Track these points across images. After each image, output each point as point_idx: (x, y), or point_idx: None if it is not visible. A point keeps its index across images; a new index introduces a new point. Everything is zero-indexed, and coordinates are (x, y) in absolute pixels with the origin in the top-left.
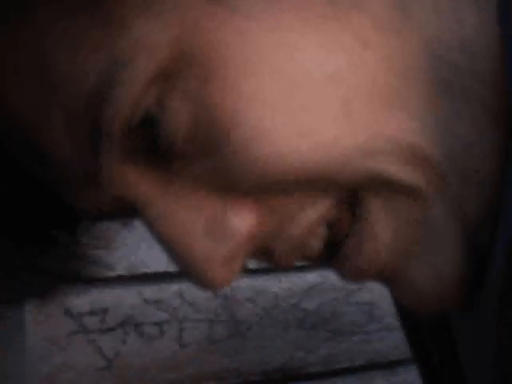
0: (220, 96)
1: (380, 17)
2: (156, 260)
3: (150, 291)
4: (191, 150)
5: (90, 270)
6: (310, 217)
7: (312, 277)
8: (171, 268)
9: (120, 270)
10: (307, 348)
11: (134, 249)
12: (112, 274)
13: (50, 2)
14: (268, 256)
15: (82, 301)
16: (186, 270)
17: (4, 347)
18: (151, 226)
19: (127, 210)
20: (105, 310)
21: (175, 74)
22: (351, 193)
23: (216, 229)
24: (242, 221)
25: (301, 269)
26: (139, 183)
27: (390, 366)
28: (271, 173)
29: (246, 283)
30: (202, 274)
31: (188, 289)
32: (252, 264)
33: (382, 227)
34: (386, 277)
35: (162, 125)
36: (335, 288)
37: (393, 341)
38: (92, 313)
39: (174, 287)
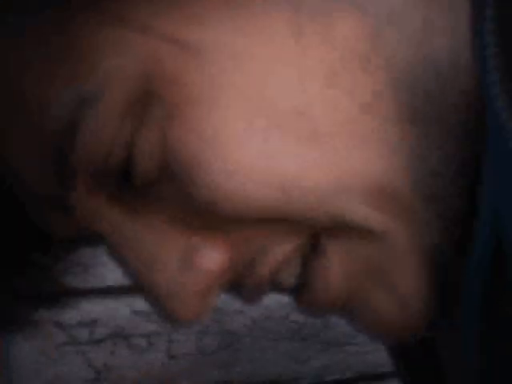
0: (183, 135)
1: (349, 51)
2: None
3: (140, 303)
4: (160, 184)
5: (79, 281)
6: (279, 254)
7: None
8: None
9: (109, 281)
10: (299, 360)
11: None
12: (101, 285)
13: (19, 47)
14: (237, 291)
15: (72, 312)
16: (156, 303)
17: None
18: (119, 254)
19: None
20: (94, 322)
21: (142, 113)
22: (314, 232)
23: (186, 262)
24: (212, 258)
25: None
26: (106, 211)
27: (382, 377)
28: (234, 210)
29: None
30: (170, 306)
31: None
32: None
33: (335, 269)
34: (347, 311)
35: (130, 163)
36: None
37: (385, 352)
38: (81, 324)
39: None
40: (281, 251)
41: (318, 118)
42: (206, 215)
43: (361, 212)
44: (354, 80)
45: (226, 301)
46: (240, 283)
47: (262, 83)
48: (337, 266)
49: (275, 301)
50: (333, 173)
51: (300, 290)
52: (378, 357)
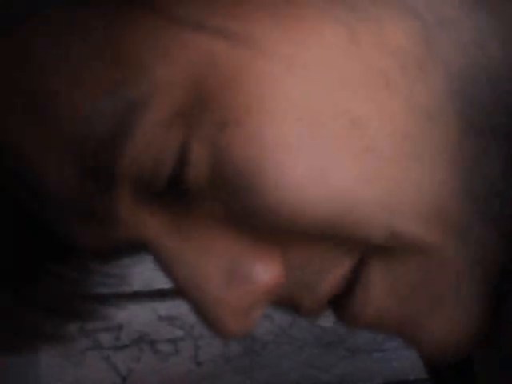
0: (240, 143)
1: (406, 55)
2: None
3: (165, 308)
4: (210, 191)
5: (104, 287)
6: (337, 276)
7: None
8: None
9: (135, 286)
10: (324, 366)
11: (150, 265)
12: (127, 290)
13: (59, 44)
14: (293, 307)
15: (96, 317)
16: (200, 316)
17: (19, 365)
18: (164, 268)
19: (135, 248)
20: (119, 327)
21: (193, 119)
22: (364, 250)
23: (234, 276)
24: (264, 272)
25: None
26: (151, 223)
27: None
28: (288, 220)
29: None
30: (215, 322)
31: None
32: None
33: (380, 288)
34: (393, 330)
35: (180, 171)
36: None
37: (411, 359)
38: (106, 329)
39: None
40: (338, 272)
41: (375, 131)
42: (257, 227)
43: (415, 228)
44: (412, 89)
45: None
46: (298, 302)
47: (317, 94)
48: (383, 285)
49: None
50: (388, 188)
51: (343, 307)
52: (403, 364)
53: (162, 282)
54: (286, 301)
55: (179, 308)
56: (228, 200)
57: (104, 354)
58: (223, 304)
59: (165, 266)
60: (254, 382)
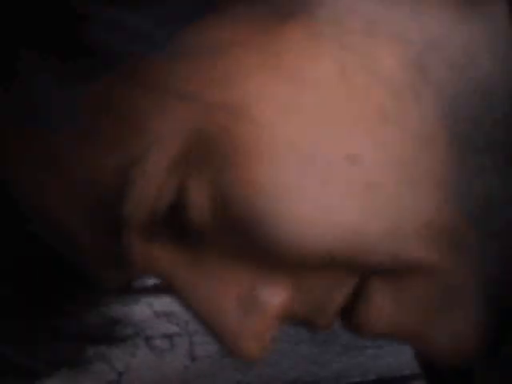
0: (237, 185)
1: (398, 83)
2: None
3: (161, 304)
4: (217, 229)
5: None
6: (344, 293)
7: None
8: None
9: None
10: (319, 363)
11: None
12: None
13: (62, 101)
14: (308, 325)
15: (92, 312)
16: (220, 343)
17: None
18: (182, 299)
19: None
20: (114, 323)
21: (192, 165)
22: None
23: (247, 303)
24: (275, 296)
25: None
26: (165, 260)
27: (403, 380)
28: (295, 254)
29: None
30: (236, 348)
31: None
32: None
33: (385, 305)
34: (399, 340)
35: (184, 214)
36: None
37: (406, 355)
38: (102, 325)
39: None
40: (345, 291)
41: (372, 164)
42: (266, 259)
43: (417, 251)
44: (406, 115)
45: None
46: (311, 322)
47: (313, 135)
48: (387, 302)
49: None
50: (390, 217)
51: (348, 318)
52: (397, 360)
53: (157, 278)
54: (300, 320)
55: (175, 304)
56: (235, 238)
57: (99, 349)
58: (242, 334)
59: (183, 299)
60: (252, 378)
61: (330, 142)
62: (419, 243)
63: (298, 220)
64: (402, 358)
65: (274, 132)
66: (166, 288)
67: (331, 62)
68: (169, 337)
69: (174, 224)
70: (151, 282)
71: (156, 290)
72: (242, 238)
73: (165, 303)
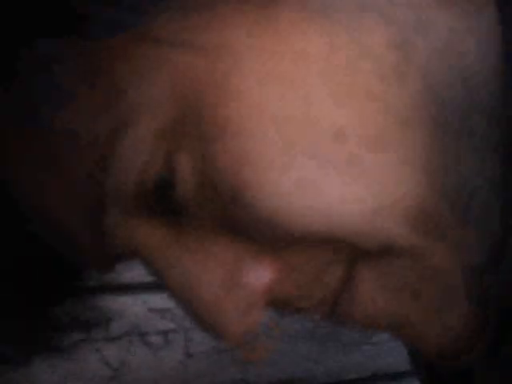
0: (224, 156)
1: (384, 62)
2: None
3: (156, 300)
4: (202, 203)
5: (95, 279)
6: (332, 277)
7: None
8: None
9: (125, 278)
10: (316, 359)
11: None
12: (117, 282)
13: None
14: (292, 309)
15: (88, 309)
16: (200, 322)
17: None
18: (164, 277)
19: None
20: (110, 319)
21: (178, 134)
22: (355, 256)
23: (232, 282)
24: (260, 276)
25: None
26: (149, 236)
27: (398, 377)
28: (278, 230)
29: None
30: (217, 328)
31: None
32: None
33: (366, 292)
34: (384, 329)
35: (172, 186)
36: None
37: (401, 352)
38: (97, 322)
39: None
40: (333, 276)
41: (355, 142)
42: (251, 235)
43: (405, 233)
44: (390, 95)
45: None
46: (296, 305)
47: (297, 107)
48: (371, 285)
49: None
50: (371, 197)
51: (335, 309)
52: (394, 356)
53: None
54: (284, 303)
55: (170, 300)
56: (219, 211)
57: (95, 346)
58: (222, 309)
59: (163, 275)
60: (248, 374)
61: (316, 115)
62: (406, 226)
63: (281, 194)
64: (397, 356)
65: (259, 104)
66: (160, 285)
67: (321, 35)
68: (164, 333)
69: (159, 199)
70: (146, 279)
71: (151, 287)
72: (227, 214)
73: (160, 300)
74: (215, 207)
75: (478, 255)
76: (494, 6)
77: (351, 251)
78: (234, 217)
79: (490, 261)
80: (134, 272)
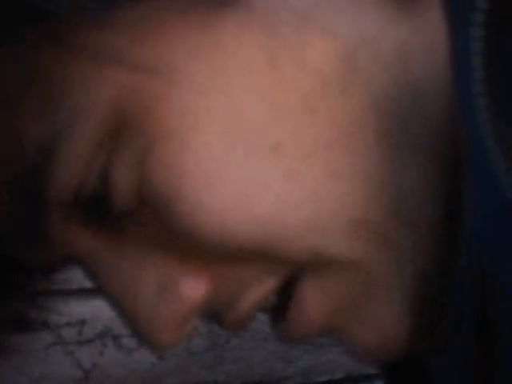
0: (161, 169)
1: (326, 77)
2: None
3: None
4: (139, 214)
5: (67, 282)
6: (259, 291)
7: None
8: None
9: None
10: (287, 360)
11: None
12: (90, 285)
13: None
14: (217, 319)
15: (60, 312)
16: (133, 327)
17: None
18: (101, 284)
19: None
20: (83, 322)
21: (116, 145)
22: (292, 267)
23: (166, 292)
24: (192, 288)
25: None
26: (86, 242)
27: (370, 378)
28: (213, 243)
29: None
30: (149, 335)
31: None
32: None
33: (312, 303)
34: (329, 335)
35: (106, 195)
36: None
37: None
38: (69, 324)
39: None
40: (261, 289)
41: (292, 154)
42: (186, 247)
43: (339, 246)
44: (332, 108)
45: None
46: (221, 316)
47: (235, 120)
48: (314, 300)
49: None
50: (309, 209)
51: (277, 322)
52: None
53: None
54: (214, 314)
55: None
56: (154, 223)
57: (67, 348)
58: (154, 317)
59: (101, 281)
60: (220, 375)
61: (252, 128)
62: (341, 238)
63: (215, 207)
64: None
65: (196, 117)
66: None
67: (259, 50)
68: (136, 336)
69: (96, 207)
70: None
71: None
72: (163, 225)
73: None
74: (151, 219)
75: (427, 265)
76: (445, 25)
77: (286, 263)
78: (169, 229)
79: (437, 266)
80: None
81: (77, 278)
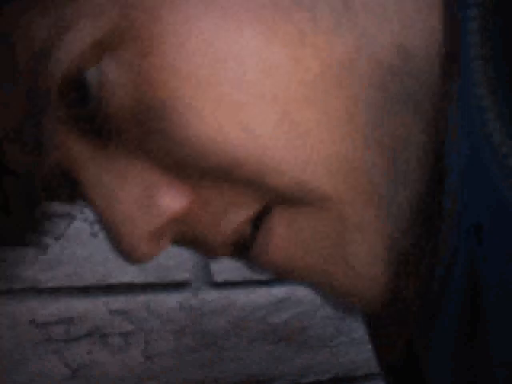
0: (157, 73)
1: (323, 18)
2: (123, 271)
3: (117, 302)
4: (128, 121)
5: (56, 280)
6: (241, 215)
7: (278, 291)
8: (138, 279)
9: (86, 280)
10: (274, 362)
11: (101, 260)
12: (78, 284)
13: None
14: (199, 245)
15: (48, 311)
16: (110, 237)
17: None
18: (85, 194)
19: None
20: (70, 320)
21: (117, 45)
22: (271, 198)
23: (146, 201)
24: (173, 200)
25: (266, 283)
26: (77, 148)
27: (358, 380)
28: (201, 155)
29: (212, 296)
30: (125, 245)
31: (155, 300)
32: (219, 278)
33: (276, 231)
34: (301, 278)
35: (98, 89)
36: (302, 302)
37: (361, 355)
38: (57, 323)
39: (141, 298)
40: (242, 213)
41: (286, 81)
42: (172, 159)
43: (322, 181)
44: (325, 49)
45: (203, 302)
46: (202, 239)
47: (227, 34)
48: (279, 229)
49: (251, 302)
50: (298, 138)
51: (249, 249)
52: (353, 360)
53: (114, 277)
54: (191, 237)
55: (130, 303)
56: (143, 132)
57: (55, 347)
58: (132, 224)
59: (84, 188)
60: (207, 376)
61: (247, 46)
62: (325, 174)
63: (208, 112)
64: (357, 358)
65: (193, 24)
66: (122, 287)
67: None
68: (124, 335)
69: (91, 118)
70: (107, 281)
71: (112, 289)
72: (150, 136)
73: (121, 302)
74: (140, 127)
75: (405, 215)
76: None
77: (268, 192)
78: (157, 138)
79: (417, 214)
80: (95, 274)
81: (65, 276)
